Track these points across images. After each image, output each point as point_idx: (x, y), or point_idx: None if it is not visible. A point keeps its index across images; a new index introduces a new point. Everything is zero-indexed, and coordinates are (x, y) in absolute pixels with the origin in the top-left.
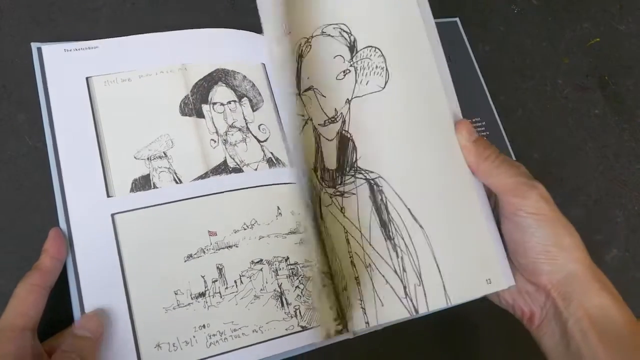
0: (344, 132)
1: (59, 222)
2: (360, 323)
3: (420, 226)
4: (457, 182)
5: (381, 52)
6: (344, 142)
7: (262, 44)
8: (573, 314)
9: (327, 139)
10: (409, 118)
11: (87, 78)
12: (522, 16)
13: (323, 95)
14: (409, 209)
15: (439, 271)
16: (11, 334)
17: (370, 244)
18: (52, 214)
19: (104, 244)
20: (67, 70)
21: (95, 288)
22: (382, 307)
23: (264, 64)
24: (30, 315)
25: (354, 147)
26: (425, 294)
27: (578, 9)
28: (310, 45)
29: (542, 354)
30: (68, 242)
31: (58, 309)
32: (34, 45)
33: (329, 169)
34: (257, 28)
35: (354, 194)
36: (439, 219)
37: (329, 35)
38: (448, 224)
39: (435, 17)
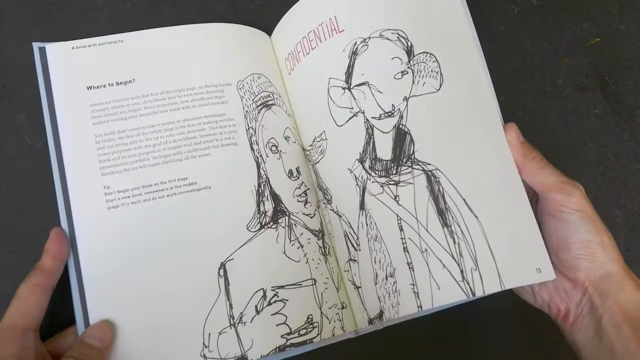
0: (401, 126)
1: (60, 221)
2: (412, 307)
3: (475, 216)
4: (506, 178)
5: (436, 58)
6: (402, 135)
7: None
8: (608, 309)
9: (382, 131)
10: (463, 117)
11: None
12: (522, 16)
13: (380, 91)
14: (464, 199)
15: (493, 258)
16: (14, 334)
17: (427, 230)
18: (52, 214)
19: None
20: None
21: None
22: (439, 290)
23: None
24: (33, 315)
25: (412, 140)
26: (481, 278)
27: (578, 9)
28: (367, 45)
29: (543, 354)
30: (69, 241)
31: (58, 309)
32: (36, 45)
33: (383, 159)
34: (257, 27)
35: (410, 183)
36: (492, 209)
37: (387, 38)
38: (500, 215)
39: None
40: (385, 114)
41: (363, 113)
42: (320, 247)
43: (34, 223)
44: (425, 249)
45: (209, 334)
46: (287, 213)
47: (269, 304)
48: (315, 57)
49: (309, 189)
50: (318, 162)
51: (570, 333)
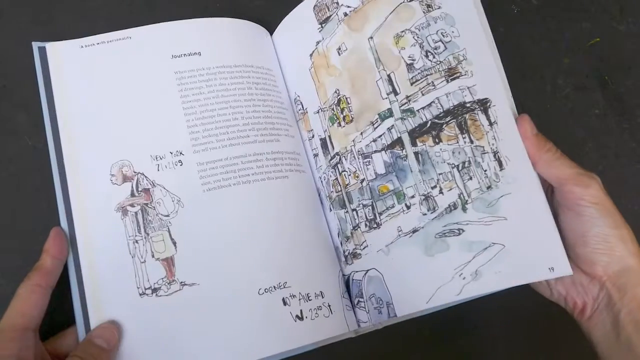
0: None
1: (60, 221)
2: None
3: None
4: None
5: None
6: None
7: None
8: (626, 305)
9: None
10: None
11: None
12: (522, 16)
13: None
14: None
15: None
16: (13, 334)
17: None
18: (52, 214)
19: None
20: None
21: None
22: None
23: None
24: (33, 315)
25: None
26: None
27: (578, 9)
28: None
29: (544, 353)
30: (69, 241)
31: (58, 309)
32: (35, 45)
33: None
34: None
35: None
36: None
37: None
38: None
39: None
40: None
41: None
42: None
43: (34, 223)
44: None
45: None
46: None
47: None
48: None
49: None
50: None
51: (587, 327)
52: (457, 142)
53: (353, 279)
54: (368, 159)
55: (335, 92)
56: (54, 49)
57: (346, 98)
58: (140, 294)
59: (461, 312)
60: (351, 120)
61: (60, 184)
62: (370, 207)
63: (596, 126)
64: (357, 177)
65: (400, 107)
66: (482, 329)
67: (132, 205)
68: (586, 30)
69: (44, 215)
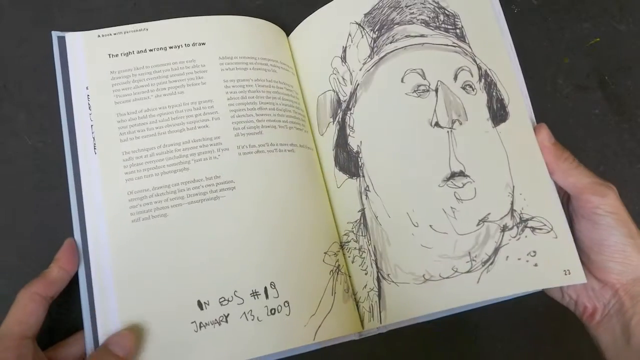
0: None
1: (73, 232)
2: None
3: None
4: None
5: None
6: None
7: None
8: (639, 312)
9: None
10: None
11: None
12: (522, 16)
13: None
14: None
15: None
16: (11, 342)
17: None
18: (51, 214)
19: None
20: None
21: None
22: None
23: None
24: (30, 323)
25: None
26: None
27: (578, 9)
28: None
29: (544, 353)
30: (81, 254)
31: (60, 318)
32: (55, 34)
33: None
34: None
35: None
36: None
37: None
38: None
39: None
40: None
41: None
42: None
43: (33, 223)
44: None
45: None
46: None
47: None
48: None
49: None
50: None
51: (594, 331)
52: None
53: None
54: None
55: None
56: (73, 38)
57: None
58: None
59: (462, 312)
60: None
61: (75, 187)
62: None
63: (596, 126)
64: None
65: None
66: (482, 329)
67: None
68: (586, 30)
69: (43, 215)
